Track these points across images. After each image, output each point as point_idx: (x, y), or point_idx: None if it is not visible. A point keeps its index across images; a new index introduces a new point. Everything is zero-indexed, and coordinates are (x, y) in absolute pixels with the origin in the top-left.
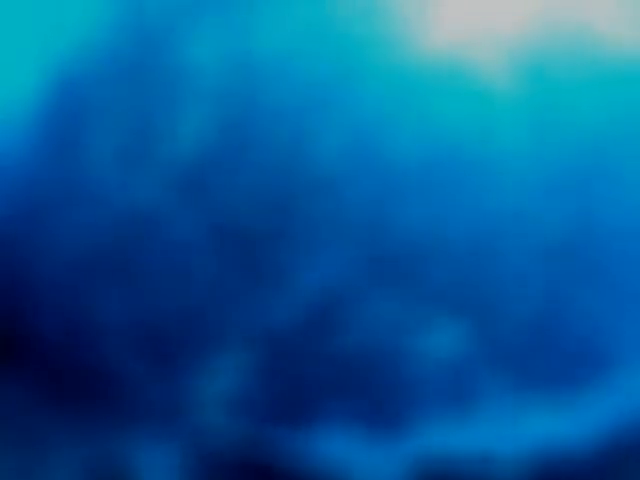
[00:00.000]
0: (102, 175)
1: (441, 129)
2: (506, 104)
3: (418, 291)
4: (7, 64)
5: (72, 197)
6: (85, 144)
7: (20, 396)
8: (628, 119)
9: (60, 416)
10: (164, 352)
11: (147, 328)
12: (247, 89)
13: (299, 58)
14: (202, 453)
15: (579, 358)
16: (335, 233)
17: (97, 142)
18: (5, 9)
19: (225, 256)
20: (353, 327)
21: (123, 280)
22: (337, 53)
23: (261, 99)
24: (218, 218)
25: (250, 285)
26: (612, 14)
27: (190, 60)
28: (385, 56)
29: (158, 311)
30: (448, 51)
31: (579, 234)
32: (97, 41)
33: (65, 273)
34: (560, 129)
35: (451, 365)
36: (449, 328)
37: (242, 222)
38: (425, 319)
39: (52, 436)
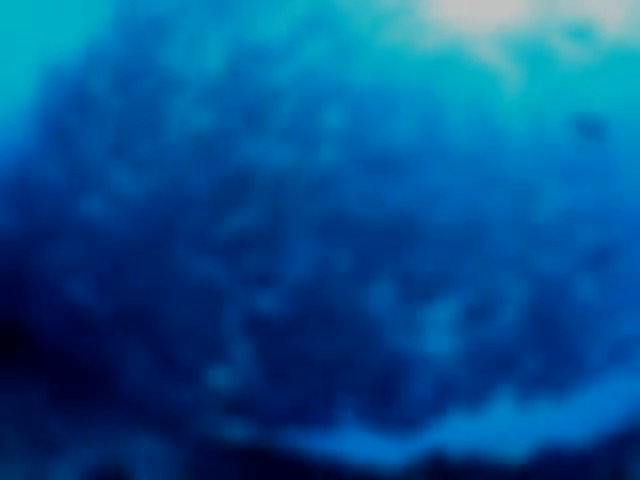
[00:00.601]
0: (99, 172)
1: (440, 113)
2: (506, 88)
3: (415, 284)
4: (4, 64)
5: (69, 195)
6: (83, 143)
7: (22, 398)
8: (625, 103)
9: (62, 417)
10: (166, 353)
11: (148, 329)
12: (244, 82)
13: (300, 44)
14: (203, 453)
15: (578, 355)
16: (330, 228)
17: (95, 141)
18: (3, 9)
19: (227, 256)
20: (357, 323)
21: (123, 280)
22: (337, 40)
23: (255, 88)
24: (212, 219)
25: (251, 284)
26: (612, 1)
27: (186, 58)
28: (385, 41)
29: (159, 311)
30: (449, 37)
31: (581, 218)
32: (95, 40)
33: (64, 274)
34: (559, 112)
35: (447, 363)
36: (446, 324)
37: (240, 218)
38: (421, 313)
39: (54, 437)
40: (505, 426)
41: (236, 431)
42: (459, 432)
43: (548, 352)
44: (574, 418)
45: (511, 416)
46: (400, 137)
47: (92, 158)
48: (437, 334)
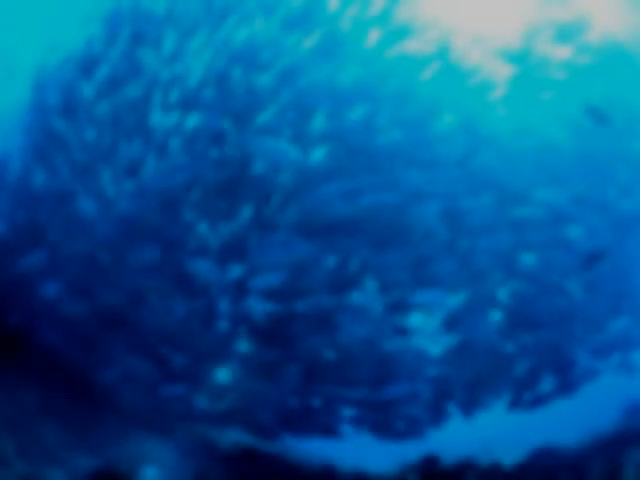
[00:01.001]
0: (87, 176)
1: (425, 115)
2: (493, 91)
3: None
4: None
5: (58, 199)
6: (70, 148)
7: (16, 403)
8: (612, 104)
9: (56, 423)
10: (166, 358)
11: (141, 334)
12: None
13: (285, 48)
14: (201, 457)
15: (568, 357)
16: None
17: (83, 146)
18: None
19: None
20: (343, 327)
21: (110, 284)
22: (324, 43)
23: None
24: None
25: (241, 288)
26: (601, 3)
27: (173, 62)
28: (370, 44)
29: (151, 315)
30: (436, 40)
31: (568, 221)
32: (86, 47)
33: (52, 278)
34: (547, 114)
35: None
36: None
37: (230, 219)
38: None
39: (48, 442)
40: (499, 430)
41: (233, 435)
42: (453, 436)
43: (537, 354)
44: (567, 420)
45: (504, 420)
46: (384, 138)
47: (80, 162)
48: (424, 338)
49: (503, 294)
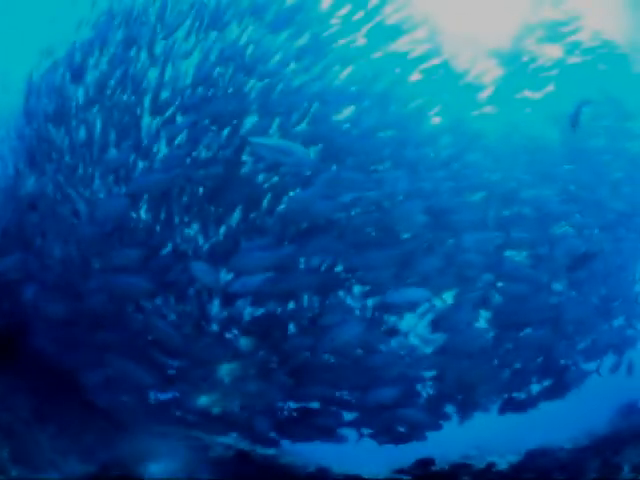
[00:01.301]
0: (77, 178)
1: (413, 115)
2: (481, 91)
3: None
4: None
5: (57, 208)
6: (61, 152)
7: (9, 408)
8: (604, 97)
9: (56, 425)
10: (166, 362)
11: (149, 338)
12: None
13: (272, 52)
14: (198, 460)
15: (558, 358)
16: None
17: (72, 151)
18: None
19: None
20: (331, 332)
21: (98, 288)
22: (310, 44)
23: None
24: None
25: (232, 291)
26: (593, 3)
27: (163, 67)
28: (357, 44)
29: (149, 319)
30: (424, 40)
31: (557, 221)
32: (77, 52)
33: (60, 288)
34: (535, 114)
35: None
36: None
37: (220, 223)
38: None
39: (48, 446)
40: (493, 431)
41: (229, 440)
42: (447, 438)
43: (529, 355)
44: (562, 421)
45: (498, 421)
46: (371, 139)
47: (70, 166)
48: (413, 340)
49: (493, 294)
